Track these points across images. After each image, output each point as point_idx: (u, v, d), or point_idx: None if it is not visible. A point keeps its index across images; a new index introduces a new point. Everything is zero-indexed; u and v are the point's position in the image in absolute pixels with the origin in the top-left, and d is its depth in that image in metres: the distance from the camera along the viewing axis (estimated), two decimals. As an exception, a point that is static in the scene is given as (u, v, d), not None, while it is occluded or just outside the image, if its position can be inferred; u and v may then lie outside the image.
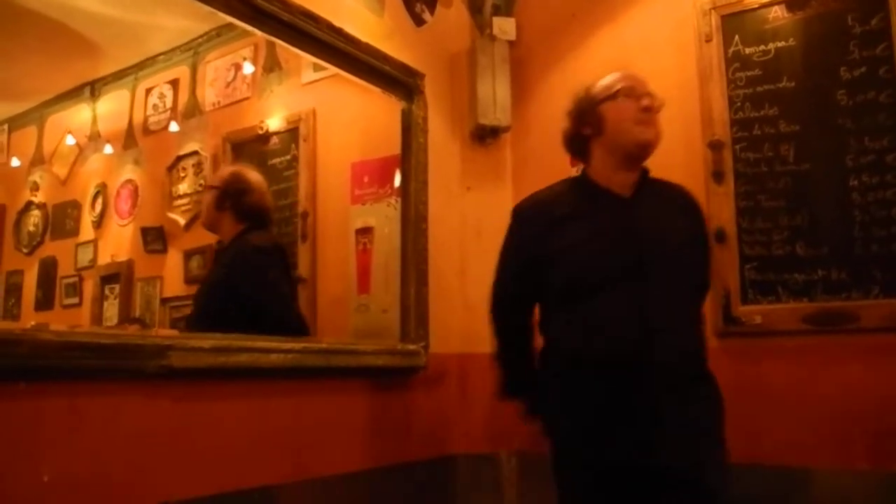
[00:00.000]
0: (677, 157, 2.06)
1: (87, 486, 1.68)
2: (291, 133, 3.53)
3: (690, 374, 1.89)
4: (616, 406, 1.82)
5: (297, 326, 2.42)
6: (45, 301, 4.69)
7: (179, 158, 4.08)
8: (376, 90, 2.82)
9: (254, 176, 2.70)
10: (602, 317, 1.86)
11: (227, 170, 2.88)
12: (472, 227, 3.10)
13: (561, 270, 1.94)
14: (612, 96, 1.96)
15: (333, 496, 2.32)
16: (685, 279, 1.95)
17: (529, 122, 3.17)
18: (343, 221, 3.23)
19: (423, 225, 2.84)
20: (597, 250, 1.91)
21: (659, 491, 1.81)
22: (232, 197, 2.61)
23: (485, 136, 3.14)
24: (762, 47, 2.68)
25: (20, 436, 1.58)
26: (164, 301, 3.98)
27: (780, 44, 2.63)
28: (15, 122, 5.27)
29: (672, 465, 1.79)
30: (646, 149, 1.95)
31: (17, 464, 1.57)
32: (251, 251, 2.54)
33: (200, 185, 3.88)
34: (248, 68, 3.74)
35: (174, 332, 1.84)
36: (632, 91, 1.95)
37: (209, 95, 3.97)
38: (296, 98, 3.56)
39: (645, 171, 2.01)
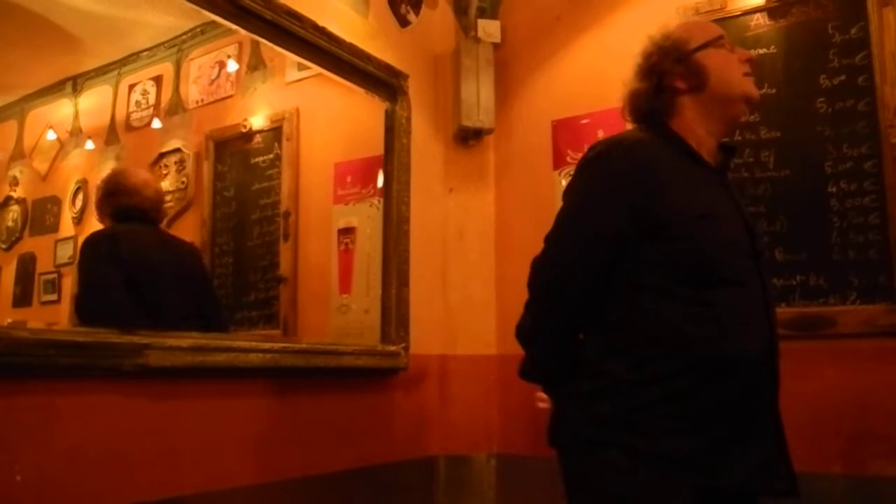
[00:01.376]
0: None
1: (61, 485, 1.66)
2: (275, 132, 3.52)
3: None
4: (747, 421, 1.50)
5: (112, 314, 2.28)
6: (23, 297, 4.65)
7: (162, 156, 4.05)
8: (360, 90, 2.81)
9: (134, 177, 2.72)
10: (740, 311, 1.51)
11: (110, 171, 3.00)
12: (454, 228, 3.11)
13: (686, 244, 1.50)
14: (713, 42, 1.63)
15: (313, 497, 2.31)
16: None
17: (513, 125, 3.18)
18: (325, 221, 3.22)
19: (404, 226, 2.84)
20: (724, 229, 1.55)
21: None
22: (107, 198, 2.65)
23: (468, 137, 3.14)
24: (744, 54, 2.69)
25: (-6, 434, 1.57)
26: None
27: (762, 51, 2.65)
28: (-5, 116, 5.23)
29: (787, 487, 1.54)
30: (751, 105, 1.67)
31: (-9, 462, 1.56)
32: (83, 247, 2.56)
33: (182, 182, 3.86)
34: (232, 66, 3.72)
35: (151, 331, 1.82)
36: (727, 41, 1.65)
37: (193, 93, 3.95)
38: (279, 97, 3.54)
39: (727, 144, 1.71)
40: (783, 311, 2.46)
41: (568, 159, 2.98)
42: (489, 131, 3.13)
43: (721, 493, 1.48)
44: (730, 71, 1.61)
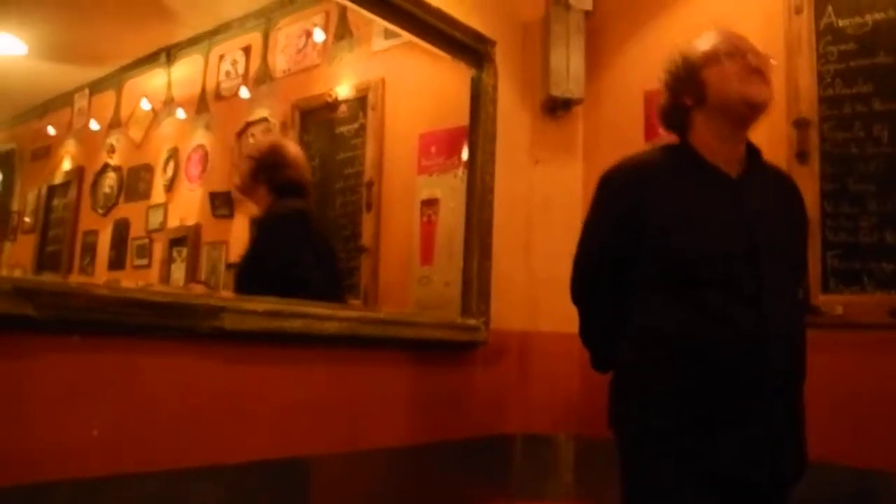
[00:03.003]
0: (758, 136, 1.94)
1: (134, 441, 1.68)
2: (360, 101, 3.49)
3: (798, 373, 1.74)
4: (727, 405, 1.64)
5: (324, 294, 2.34)
6: (117, 261, 4.80)
7: (249, 125, 4.08)
8: (446, 58, 2.75)
9: (292, 150, 2.73)
10: (715, 305, 1.66)
11: (265, 141, 2.93)
12: (539, 201, 3.01)
13: (668, 246, 1.71)
14: (713, 59, 1.76)
15: (385, 469, 2.28)
16: (791, 271, 1.79)
17: (603, 95, 3.05)
18: (408, 192, 3.18)
19: (488, 197, 2.76)
20: (710, 230, 1.71)
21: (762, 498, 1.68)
22: (267, 170, 2.64)
23: (556, 107, 3.03)
24: (858, 19, 2.50)
25: (73, 389, 1.59)
26: (229, 266, 4.00)
27: (878, 16, 2.45)
28: (96, 86, 5.39)
29: (779, 475, 1.67)
30: (755, 108, 1.74)
31: (69, 416, 1.57)
32: (271, 219, 2.59)
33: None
34: (318, 35, 3.70)
35: (229, 295, 1.81)
36: (735, 50, 1.75)
37: (280, 62, 3.96)
38: (365, 66, 3.51)
39: (752, 148, 1.83)
40: (893, 299, 2.31)
41: (661, 131, 2.83)
42: (578, 101, 3.01)
43: (730, 483, 1.63)
44: (726, 82, 1.73)
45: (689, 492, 1.64)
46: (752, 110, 1.75)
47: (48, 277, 1.85)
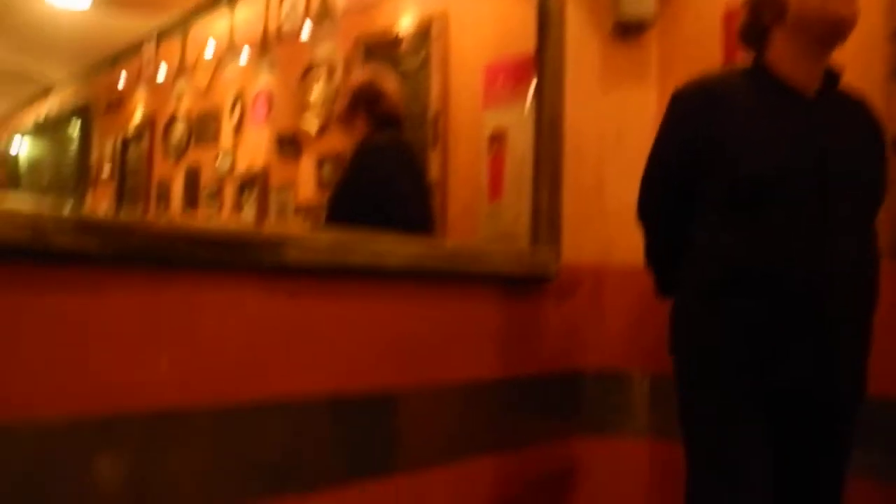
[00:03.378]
0: (849, 52, 1.78)
1: (202, 376, 1.66)
2: (423, 35, 3.40)
3: (864, 302, 1.69)
4: (787, 327, 1.62)
5: (418, 225, 2.35)
6: (190, 207, 4.88)
7: (312, 65, 4.03)
8: (510, -18, 2.63)
9: (389, 82, 2.78)
10: (780, 228, 1.63)
11: (362, 75, 2.93)
12: (611, 130, 2.87)
13: (731, 165, 1.68)
14: None
15: (452, 406, 2.24)
16: (865, 198, 1.72)
17: (679, 16, 2.87)
18: (475, 125, 3.09)
19: (558, 128, 2.64)
20: (777, 151, 1.65)
21: (818, 421, 1.68)
22: (365, 103, 2.71)
23: (628, 31, 2.87)
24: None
25: (138, 324, 1.58)
26: (298, 208, 4.01)
27: None
28: (162, 35, 5.43)
29: (840, 396, 1.66)
30: (838, 26, 1.65)
31: (137, 353, 1.57)
32: (370, 150, 2.63)
33: (334, 91, 3.84)
34: (379, -32, 3.61)
35: (291, 229, 1.78)
36: None
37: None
38: (428, -2, 3.41)
39: (831, 71, 1.74)
40: None
41: (740, 54, 2.66)
42: (651, 23, 2.85)
43: (784, 401, 1.65)
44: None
45: (741, 411, 1.65)
46: (834, 27, 1.66)
47: (110, 214, 1.83)
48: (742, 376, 1.65)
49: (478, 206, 2.99)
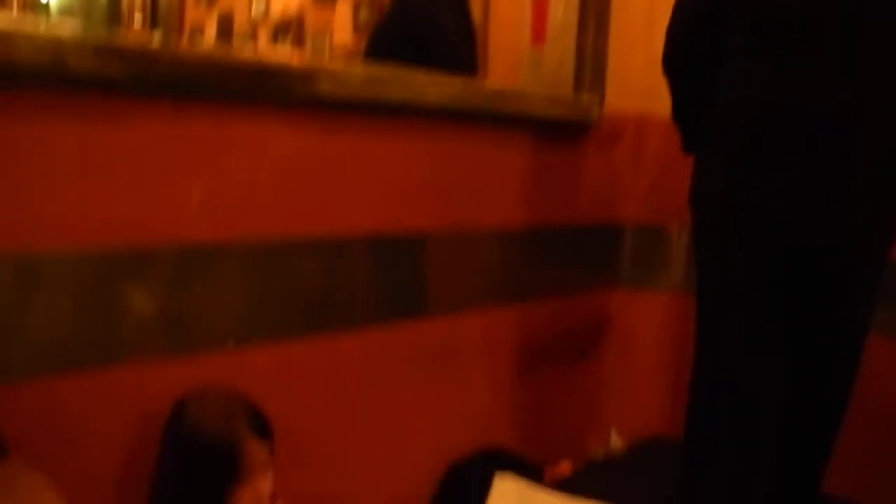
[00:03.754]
0: None
1: (233, 213, 1.64)
2: None
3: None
4: (810, 177, 1.56)
5: (462, 67, 2.24)
6: (223, 53, 4.76)
7: None
8: None
9: None
10: (805, 68, 1.55)
11: None
12: (664, -30, 2.70)
13: (761, 5, 1.60)
14: None
15: (486, 251, 2.22)
16: None
17: None
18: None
19: (606, -34, 2.48)
20: None
21: (835, 282, 1.64)
22: None
23: None
24: None
25: (167, 158, 1.54)
26: (334, 54, 3.90)
27: None
28: None
29: (860, 255, 1.62)
30: None
31: (167, 187, 1.54)
32: None
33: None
34: None
35: (324, 62, 1.70)
36: None
37: None
38: None
39: None
40: None
41: None
42: None
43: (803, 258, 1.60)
44: None
45: (759, 262, 1.62)
46: None
47: (133, 39, 1.75)
48: (766, 231, 1.60)
49: (520, 50, 2.85)
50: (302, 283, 1.78)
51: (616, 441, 2.78)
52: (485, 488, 2.07)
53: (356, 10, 3.74)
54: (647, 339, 2.74)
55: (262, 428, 1.34)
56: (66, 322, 1.41)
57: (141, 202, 1.50)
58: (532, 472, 2.31)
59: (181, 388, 1.46)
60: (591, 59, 2.45)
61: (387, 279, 1.97)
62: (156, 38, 2.41)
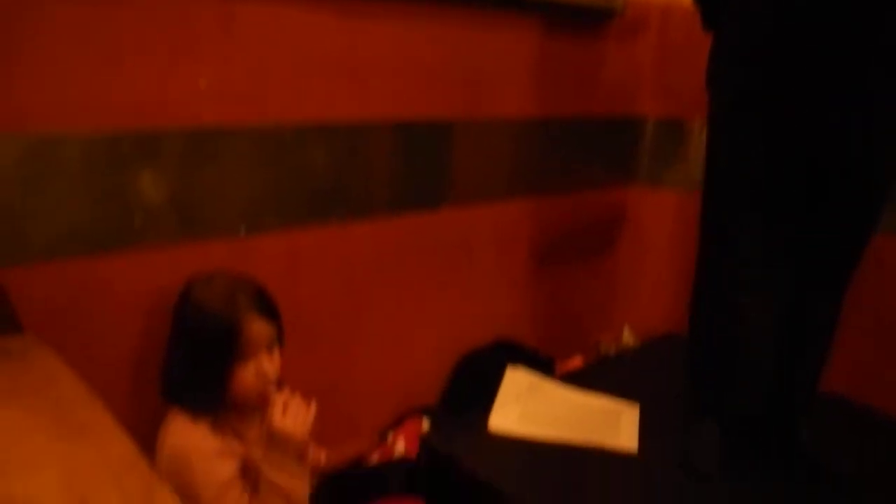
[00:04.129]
0: None
1: (242, 95, 1.60)
2: None
3: None
4: (828, 66, 1.48)
5: None
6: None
7: None
8: None
9: None
10: None
11: None
12: None
13: None
14: None
15: (507, 139, 2.18)
16: None
17: None
18: None
19: None
20: None
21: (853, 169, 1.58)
22: None
23: None
24: None
25: (175, 41, 1.49)
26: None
27: None
28: None
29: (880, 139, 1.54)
30: None
31: (175, 69, 1.50)
32: None
33: None
34: None
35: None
36: None
37: None
38: None
39: None
40: None
41: None
42: None
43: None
44: None
45: (770, 152, 1.57)
46: None
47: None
48: (778, 123, 1.55)
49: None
50: (315, 170, 1.76)
51: (629, 337, 2.79)
52: (497, 378, 2.10)
53: None
54: (662, 237, 2.72)
55: (266, 308, 1.35)
56: (78, 206, 1.41)
57: (150, 84, 1.47)
58: (544, 365, 2.33)
59: (193, 273, 1.47)
60: (616, -56, 2.33)
61: (403, 168, 1.94)
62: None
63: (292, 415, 1.27)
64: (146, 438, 1.24)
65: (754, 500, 1.69)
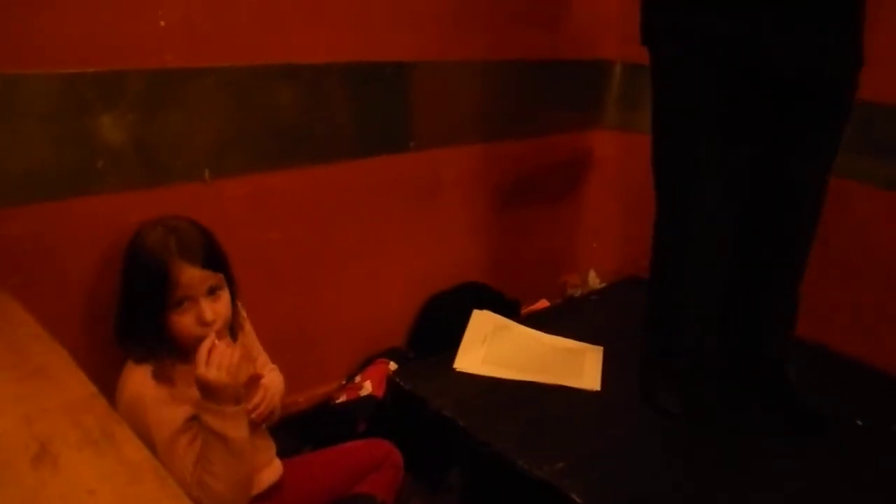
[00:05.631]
0: None
1: (206, 34, 1.58)
2: None
3: None
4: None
5: None
6: None
7: None
8: None
9: None
10: None
11: None
12: None
13: None
14: None
15: (472, 82, 2.17)
16: None
17: None
18: None
19: None
20: None
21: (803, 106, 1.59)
22: None
23: None
24: None
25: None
26: None
27: None
28: None
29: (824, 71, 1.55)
30: None
31: (134, 9, 1.47)
32: None
33: None
34: None
35: None
36: None
37: None
38: None
39: None
40: None
41: None
42: None
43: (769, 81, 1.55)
44: None
45: (722, 90, 1.56)
46: None
47: None
48: (729, 57, 1.53)
49: None
50: (280, 112, 1.74)
51: (594, 280, 2.83)
52: (463, 321, 2.12)
53: None
54: (628, 181, 2.72)
55: (202, 256, 1.32)
56: (39, 149, 1.39)
57: (109, 24, 1.44)
58: (510, 308, 2.36)
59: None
60: None
61: (367, 109, 1.92)
62: None
63: (216, 363, 1.26)
64: (109, 385, 1.25)
65: (718, 435, 1.74)
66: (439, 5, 2.00)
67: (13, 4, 1.32)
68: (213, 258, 1.35)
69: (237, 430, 1.28)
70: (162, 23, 1.51)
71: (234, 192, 1.70)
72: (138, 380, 1.30)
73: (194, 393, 1.28)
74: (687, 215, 1.71)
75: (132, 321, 1.33)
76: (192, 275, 1.30)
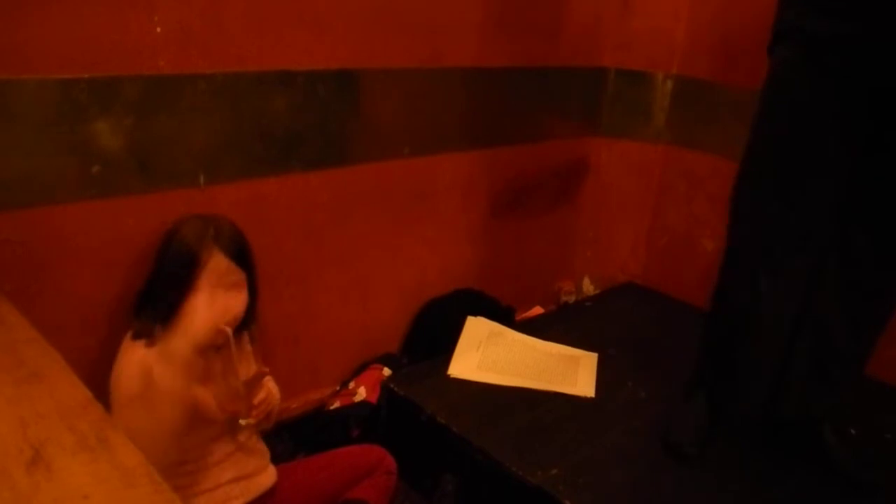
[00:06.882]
0: None
1: (202, 42, 1.57)
2: None
3: None
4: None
5: None
6: None
7: None
8: None
9: None
10: None
11: None
12: None
13: None
14: None
15: (467, 89, 2.17)
16: None
17: None
18: None
19: None
20: None
21: None
22: None
23: None
24: None
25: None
26: None
27: None
28: None
29: None
30: None
31: (130, 15, 1.47)
32: None
33: None
34: None
35: None
36: None
37: None
38: None
39: None
40: None
41: None
42: None
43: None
44: None
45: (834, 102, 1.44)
46: None
47: None
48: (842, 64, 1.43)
49: None
50: (274, 118, 1.74)
51: (589, 287, 2.84)
52: (457, 327, 2.13)
53: None
54: (623, 188, 2.74)
55: (233, 249, 1.38)
56: (34, 155, 1.39)
57: (105, 31, 1.44)
58: (505, 314, 2.37)
59: (153, 222, 1.48)
60: None
61: (361, 115, 1.92)
62: None
63: (263, 410, 1.44)
64: (103, 390, 1.25)
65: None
66: (433, 14, 2.00)
67: (7, 10, 1.31)
68: (243, 255, 1.41)
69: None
70: (157, 29, 1.51)
71: (229, 197, 1.70)
72: (141, 351, 1.32)
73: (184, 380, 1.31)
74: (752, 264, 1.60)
75: (152, 292, 1.38)
76: (219, 261, 1.35)
